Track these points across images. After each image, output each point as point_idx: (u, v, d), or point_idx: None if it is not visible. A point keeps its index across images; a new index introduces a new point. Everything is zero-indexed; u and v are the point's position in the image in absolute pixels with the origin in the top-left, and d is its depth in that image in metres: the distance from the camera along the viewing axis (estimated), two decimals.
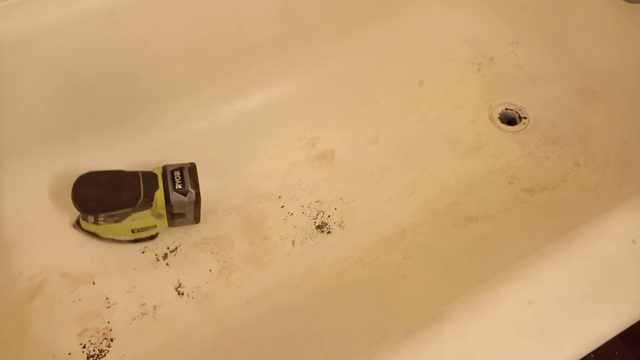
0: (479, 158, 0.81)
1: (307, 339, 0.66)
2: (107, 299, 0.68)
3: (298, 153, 0.82)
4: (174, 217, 0.70)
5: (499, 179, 0.79)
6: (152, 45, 0.73)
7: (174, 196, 0.66)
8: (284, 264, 0.72)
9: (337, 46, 0.90)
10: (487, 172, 0.80)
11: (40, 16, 0.65)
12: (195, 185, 0.68)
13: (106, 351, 0.65)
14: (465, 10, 0.94)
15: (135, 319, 0.67)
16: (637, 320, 0.46)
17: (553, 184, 0.78)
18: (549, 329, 0.44)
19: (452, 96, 0.88)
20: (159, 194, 0.66)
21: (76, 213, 0.69)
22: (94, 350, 0.65)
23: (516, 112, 0.86)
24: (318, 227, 0.75)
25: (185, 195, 0.67)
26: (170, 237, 0.73)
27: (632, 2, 0.76)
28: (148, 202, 0.66)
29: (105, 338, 0.66)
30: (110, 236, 0.71)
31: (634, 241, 0.48)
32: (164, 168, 0.68)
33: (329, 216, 0.76)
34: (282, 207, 0.77)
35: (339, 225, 0.75)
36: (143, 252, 0.72)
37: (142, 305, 0.68)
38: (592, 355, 0.80)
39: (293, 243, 0.74)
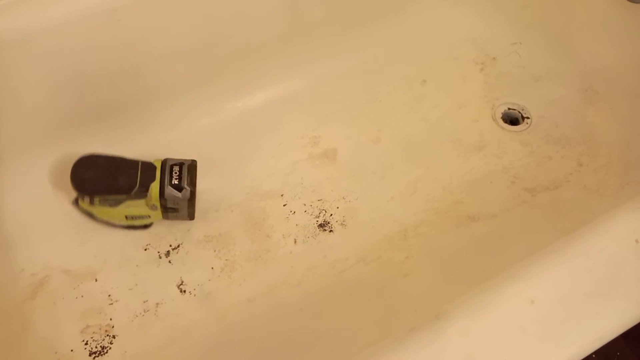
0: (482, 157, 0.81)
1: (309, 337, 0.66)
2: (109, 296, 0.69)
3: (300, 151, 0.82)
4: (167, 210, 0.70)
5: (501, 178, 0.79)
6: (155, 43, 0.73)
7: (169, 190, 0.67)
8: (285, 262, 0.72)
9: (340, 45, 0.90)
10: (490, 171, 0.80)
11: (42, 14, 0.65)
12: (192, 183, 0.68)
13: (108, 348, 0.65)
14: (468, 9, 0.94)
15: (137, 316, 0.67)
16: None
17: (555, 184, 0.78)
18: (551, 329, 0.44)
19: (454, 95, 0.88)
20: (154, 186, 0.67)
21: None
22: (96, 347, 0.65)
23: (519, 112, 0.86)
24: (320, 225, 0.75)
25: (180, 191, 0.67)
26: (173, 234, 0.73)
27: (636, 2, 0.76)
28: (143, 192, 0.67)
29: (108, 335, 0.66)
30: (105, 219, 0.71)
31: (637, 241, 0.48)
32: (165, 161, 0.68)
33: (331, 215, 0.76)
34: (284, 205, 0.77)
35: (341, 224, 0.75)
36: (145, 250, 0.72)
37: (144, 302, 0.68)
38: (593, 356, 0.80)
39: (295, 241, 0.74)
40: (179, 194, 0.67)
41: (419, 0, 0.93)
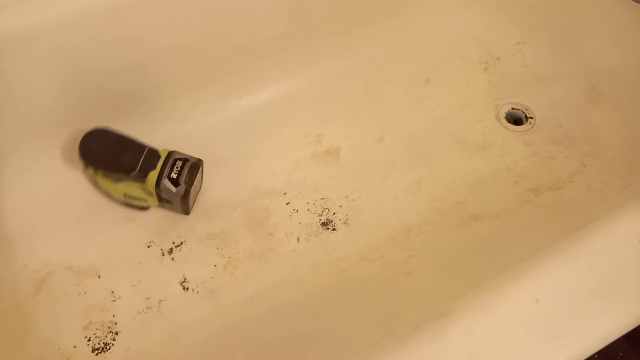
0: (485, 157, 0.81)
1: (311, 335, 0.66)
2: (112, 292, 0.69)
3: (304, 150, 0.82)
4: (162, 200, 0.71)
5: (504, 178, 0.79)
6: (159, 41, 0.73)
7: (165, 183, 0.68)
8: (288, 260, 0.72)
9: (344, 43, 0.90)
10: (493, 171, 0.79)
11: (47, 10, 0.65)
12: (189, 182, 0.69)
13: (111, 344, 0.65)
14: (472, 9, 0.94)
15: (140, 313, 0.67)
16: None
17: (559, 184, 0.77)
18: (555, 328, 0.43)
19: (458, 95, 0.88)
20: (153, 175, 0.68)
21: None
22: (99, 344, 0.65)
23: (522, 112, 0.86)
24: (323, 224, 0.75)
25: (175, 186, 0.68)
26: (176, 232, 0.74)
27: None
28: (141, 177, 0.68)
29: (110, 331, 0.66)
30: (107, 190, 0.73)
31: None
32: (170, 153, 0.69)
33: (334, 213, 0.76)
34: (287, 203, 0.77)
35: (344, 223, 0.75)
36: (148, 247, 0.72)
37: (147, 299, 0.68)
38: (596, 356, 0.80)
39: (298, 240, 0.74)
40: (173, 189, 0.68)
41: None
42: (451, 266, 0.70)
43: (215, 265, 0.71)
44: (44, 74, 0.68)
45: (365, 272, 0.71)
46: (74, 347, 0.65)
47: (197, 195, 0.75)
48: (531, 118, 0.85)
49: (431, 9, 0.94)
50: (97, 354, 0.64)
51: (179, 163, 0.68)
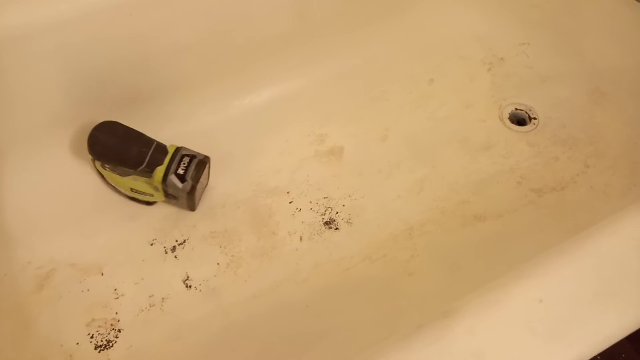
0: (488, 157, 0.81)
1: (313, 334, 0.66)
2: (115, 290, 0.69)
3: (307, 149, 0.82)
4: (168, 196, 0.71)
5: (507, 178, 0.79)
6: (163, 39, 0.73)
7: (172, 178, 0.68)
8: (291, 259, 0.72)
9: (347, 43, 0.90)
10: (496, 171, 0.79)
11: (52, 8, 0.65)
12: (195, 178, 0.69)
13: (114, 342, 0.65)
14: (476, 8, 0.94)
15: (143, 311, 0.67)
16: None
17: (562, 184, 0.77)
18: (559, 328, 0.43)
19: (462, 95, 0.88)
20: (159, 170, 0.68)
21: None
22: (101, 341, 0.65)
23: (526, 113, 0.86)
24: (326, 223, 0.75)
25: (182, 182, 0.68)
26: (179, 230, 0.74)
27: None
28: (148, 172, 0.68)
29: (113, 329, 0.66)
30: (113, 184, 0.73)
31: None
32: (178, 149, 0.69)
33: (337, 212, 0.76)
34: (290, 202, 0.77)
35: (347, 222, 0.75)
36: (152, 245, 0.72)
37: (150, 297, 0.68)
38: (598, 357, 0.80)
39: (301, 238, 0.74)
40: (180, 185, 0.68)
41: None
42: (454, 266, 0.70)
43: (218, 264, 0.71)
44: (47, 71, 0.68)
45: (367, 272, 0.71)
46: (77, 344, 0.65)
47: (203, 191, 0.75)
48: (534, 119, 0.85)
49: (435, 9, 0.94)
50: (99, 351, 0.65)
51: (186, 159, 0.69)
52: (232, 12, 0.76)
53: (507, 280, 0.47)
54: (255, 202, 0.77)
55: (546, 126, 0.84)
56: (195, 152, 0.70)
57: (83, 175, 0.75)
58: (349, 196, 0.78)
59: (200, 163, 0.69)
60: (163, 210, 0.75)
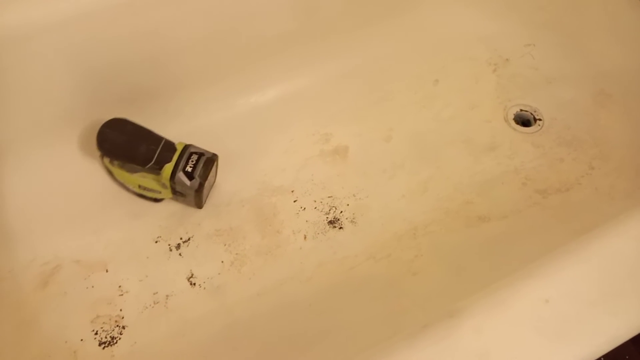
0: (493, 158, 0.81)
1: (317, 333, 0.66)
2: (119, 287, 0.69)
3: (312, 148, 0.82)
4: (176, 193, 0.72)
5: (512, 179, 0.79)
6: (170, 36, 0.73)
7: (180, 176, 0.68)
8: (295, 258, 0.72)
9: (352, 42, 0.90)
10: (501, 172, 0.79)
11: (59, 4, 0.65)
12: (203, 176, 0.69)
13: (118, 338, 0.65)
14: (482, 9, 0.94)
15: (147, 308, 0.68)
16: None
17: (567, 186, 0.77)
18: (565, 328, 0.43)
19: (467, 95, 0.88)
20: (168, 167, 0.68)
21: None
22: (105, 337, 0.65)
23: (531, 114, 0.86)
24: (330, 222, 0.75)
25: (190, 179, 0.68)
26: (184, 227, 0.74)
27: None
28: (156, 170, 0.68)
29: (117, 325, 0.66)
30: (121, 181, 0.73)
31: None
32: (186, 147, 0.70)
33: (341, 212, 0.76)
34: (294, 201, 0.77)
35: (351, 221, 0.75)
36: (156, 242, 0.72)
37: (154, 294, 0.69)
38: (602, 359, 0.80)
39: (305, 237, 0.74)
40: (188, 182, 0.68)
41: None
42: (458, 266, 0.70)
43: (222, 262, 0.71)
44: (53, 70, 0.68)
45: (371, 271, 0.71)
46: (81, 340, 0.65)
47: (210, 189, 0.76)
48: (540, 120, 0.85)
49: (441, 9, 0.94)
50: (103, 348, 0.65)
51: (195, 157, 0.69)
52: (237, 11, 0.76)
53: (513, 280, 0.47)
54: (260, 201, 0.77)
55: (551, 127, 0.84)
56: (203, 150, 0.70)
57: (89, 172, 0.75)
58: (354, 195, 0.78)
59: (209, 161, 0.69)
60: (168, 208, 0.75)
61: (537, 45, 0.92)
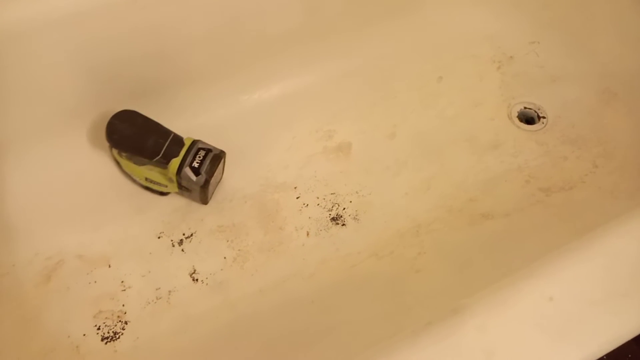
0: (497, 156, 0.81)
1: (319, 330, 0.66)
2: (122, 282, 0.69)
3: (315, 145, 0.82)
4: (182, 187, 0.72)
5: (516, 177, 0.79)
6: (175, 32, 0.73)
7: (186, 171, 0.68)
8: (298, 254, 0.72)
9: (356, 40, 0.89)
10: (504, 170, 0.79)
11: (61, 1, 0.65)
12: (209, 172, 0.69)
13: (120, 334, 0.65)
14: (486, 7, 0.94)
15: (149, 303, 0.68)
16: None
17: (570, 184, 0.77)
18: (569, 326, 0.43)
19: (471, 93, 0.88)
20: (175, 162, 0.68)
21: None
22: (108, 332, 0.65)
23: (535, 112, 0.85)
24: (333, 219, 0.75)
25: (196, 175, 0.68)
26: (186, 223, 0.74)
27: None
28: (163, 163, 0.68)
29: (120, 321, 0.66)
30: (129, 172, 0.73)
31: None
32: (194, 142, 0.70)
33: (344, 209, 0.76)
34: (297, 198, 0.77)
35: (354, 218, 0.75)
36: (159, 238, 0.72)
37: (156, 289, 0.69)
38: (604, 358, 0.80)
39: (307, 234, 0.74)
40: (194, 178, 0.68)
41: None
42: (461, 264, 0.70)
43: (224, 258, 0.71)
44: (63, 63, 0.68)
45: (374, 268, 0.71)
46: (84, 335, 0.65)
47: (217, 185, 0.76)
48: (544, 118, 0.85)
49: (445, 7, 0.94)
50: (106, 343, 0.65)
51: (202, 152, 0.69)
52: (243, 7, 0.76)
53: (517, 278, 0.47)
54: (263, 197, 0.77)
55: (555, 125, 0.84)
56: (211, 146, 0.70)
57: (92, 167, 0.75)
58: (357, 192, 0.78)
59: (216, 157, 0.69)
60: (171, 203, 0.75)
61: (542, 43, 0.92)
